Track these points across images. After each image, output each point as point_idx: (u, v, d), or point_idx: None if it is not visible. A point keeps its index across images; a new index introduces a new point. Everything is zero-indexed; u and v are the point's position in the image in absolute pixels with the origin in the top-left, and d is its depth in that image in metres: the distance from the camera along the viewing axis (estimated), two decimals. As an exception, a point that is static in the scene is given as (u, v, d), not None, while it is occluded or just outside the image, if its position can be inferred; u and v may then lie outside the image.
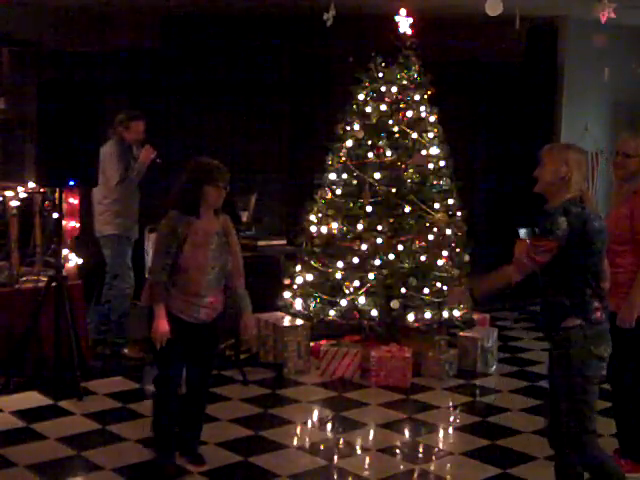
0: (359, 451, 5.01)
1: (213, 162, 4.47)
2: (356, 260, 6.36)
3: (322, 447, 5.00)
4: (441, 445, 5.14)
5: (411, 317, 6.29)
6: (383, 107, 6.56)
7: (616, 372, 4.27)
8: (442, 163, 6.59)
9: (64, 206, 6.03)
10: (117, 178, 6.33)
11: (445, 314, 6.41)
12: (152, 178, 6.64)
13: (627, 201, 4.32)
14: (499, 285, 3.70)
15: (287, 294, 6.62)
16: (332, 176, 6.62)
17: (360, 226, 6.41)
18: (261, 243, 7.02)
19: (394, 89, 6.58)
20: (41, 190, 6.15)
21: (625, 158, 4.35)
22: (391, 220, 6.43)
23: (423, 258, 6.36)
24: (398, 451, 4.96)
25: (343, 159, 6.60)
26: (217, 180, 4.35)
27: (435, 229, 6.41)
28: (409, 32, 6.62)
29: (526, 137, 8.86)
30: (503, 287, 3.70)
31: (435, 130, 6.65)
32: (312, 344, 6.48)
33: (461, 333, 6.57)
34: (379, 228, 6.37)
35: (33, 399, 5.61)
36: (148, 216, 6.78)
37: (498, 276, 3.70)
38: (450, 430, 5.46)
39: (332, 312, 6.39)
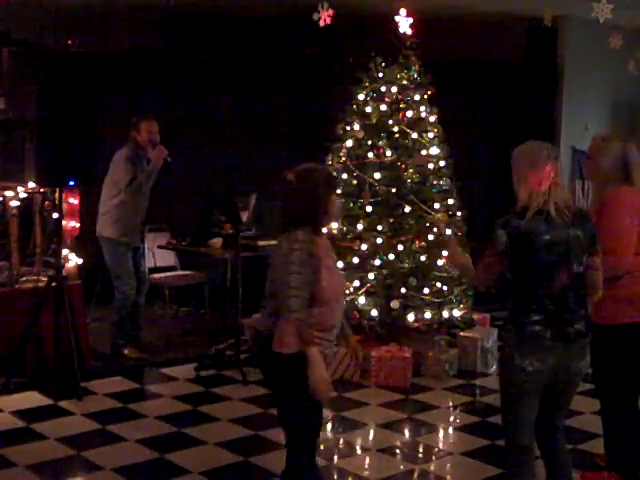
0: (359, 451, 5.01)
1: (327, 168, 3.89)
2: (356, 260, 6.36)
3: (322, 447, 5.00)
4: (441, 445, 5.14)
5: (411, 317, 6.29)
6: (383, 107, 6.56)
7: (601, 387, 4.23)
8: (442, 163, 6.59)
9: (64, 206, 6.03)
10: (126, 181, 6.31)
11: (445, 314, 6.41)
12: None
13: (593, 213, 4.02)
14: (461, 270, 3.84)
15: (287, 294, 6.61)
16: (332, 176, 6.61)
17: (360, 226, 6.41)
18: (261, 243, 7.02)
19: (394, 89, 6.58)
20: (41, 190, 6.15)
21: (586, 159, 4.29)
22: (391, 220, 6.43)
23: (423, 258, 6.36)
24: (398, 451, 4.96)
25: (343, 159, 6.60)
26: (336, 187, 3.81)
27: (435, 229, 6.41)
28: (409, 32, 6.62)
29: (526, 137, 8.82)
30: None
31: (435, 130, 6.65)
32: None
33: (461, 333, 6.57)
34: (379, 228, 6.37)
35: (33, 399, 5.61)
36: (148, 216, 6.81)
37: (465, 266, 3.75)
38: (450, 430, 5.46)
39: (332, 312, 6.37)
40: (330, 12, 6.09)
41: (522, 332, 3.41)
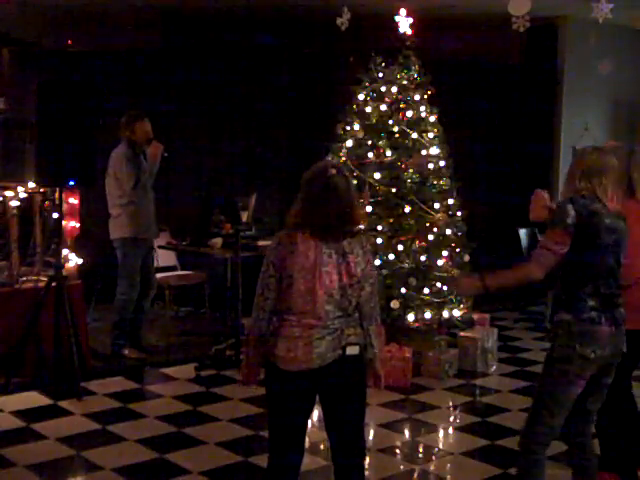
0: (359, 451, 5.00)
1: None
2: (356, 260, 6.34)
3: (322, 447, 5.00)
4: (441, 445, 5.14)
5: (411, 317, 6.29)
6: (383, 107, 6.56)
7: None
8: (442, 163, 6.59)
9: (64, 206, 6.02)
10: (132, 182, 6.31)
11: (445, 314, 6.42)
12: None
13: None
14: (515, 282, 3.58)
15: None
16: (332, 176, 6.61)
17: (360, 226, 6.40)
18: (261, 243, 7.02)
19: (394, 89, 6.58)
20: (41, 190, 6.15)
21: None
22: (391, 220, 6.42)
23: (423, 258, 6.36)
24: (398, 451, 4.96)
25: (343, 159, 6.60)
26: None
27: (435, 229, 6.41)
28: (409, 32, 6.62)
29: (526, 137, 8.87)
30: (518, 285, 3.58)
31: (435, 130, 6.65)
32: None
33: (461, 333, 6.57)
34: (379, 228, 6.37)
35: (33, 399, 5.61)
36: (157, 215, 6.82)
37: (516, 273, 3.57)
38: (450, 430, 5.46)
39: (332, 312, 6.37)
40: (349, 16, 6.19)
41: (579, 320, 3.46)
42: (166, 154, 6.44)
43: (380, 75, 6.64)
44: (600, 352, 3.46)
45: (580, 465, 3.74)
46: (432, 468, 4.76)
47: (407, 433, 5.27)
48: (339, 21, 6.25)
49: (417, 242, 6.40)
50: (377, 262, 6.30)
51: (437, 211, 6.48)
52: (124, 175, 6.31)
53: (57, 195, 5.79)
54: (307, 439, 5.24)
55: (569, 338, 3.47)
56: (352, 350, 3.28)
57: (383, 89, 6.60)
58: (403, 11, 6.62)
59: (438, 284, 6.39)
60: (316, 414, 5.64)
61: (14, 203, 6.00)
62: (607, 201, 3.51)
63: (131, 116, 6.44)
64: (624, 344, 3.60)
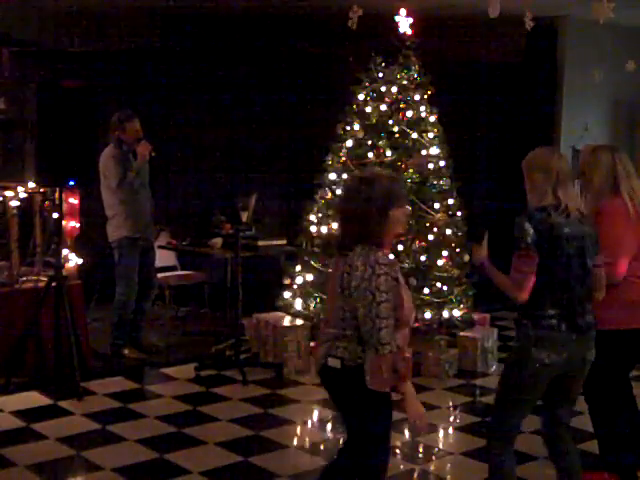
0: (359, 451, 5.00)
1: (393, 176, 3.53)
2: (356, 260, 6.35)
3: (322, 447, 5.00)
4: (441, 445, 5.14)
5: (411, 317, 6.28)
6: (383, 107, 6.56)
7: (593, 389, 4.23)
8: (442, 163, 6.59)
9: (64, 206, 6.02)
10: (117, 180, 6.32)
11: (445, 314, 6.41)
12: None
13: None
14: (499, 286, 3.63)
15: (287, 294, 6.63)
16: (332, 176, 6.62)
17: (360, 226, 6.40)
18: (261, 243, 7.02)
19: (394, 89, 6.58)
20: (41, 190, 6.15)
21: (580, 174, 4.24)
22: (391, 220, 6.41)
23: (423, 258, 6.36)
24: (398, 451, 4.96)
25: (343, 159, 6.60)
26: (404, 198, 3.33)
27: (435, 229, 6.41)
28: (409, 32, 6.62)
29: (526, 137, 8.86)
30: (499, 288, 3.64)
31: (435, 130, 6.65)
32: (312, 344, 6.48)
33: (461, 333, 6.57)
34: (379, 228, 6.36)
35: (33, 399, 5.61)
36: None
37: (506, 288, 3.58)
38: (450, 430, 5.45)
39: (332, 312, 6.37)
40: (360, 12, 6.21)
41: (538, 325, 3.49)
42: (154, 154, 6.45)
43: (380, 75, 6.64)
44: (555, 357, 3.46)
45: (563, 467, 3.78)
46: (432, 468, 4.76)
47: (407, 433, 5.26)
48: (350, 22, 6.28)
49: (417, 242, 6.40)
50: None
51: (437, 211, 6.48)
52: (111, 174, 6.33)
53: (57, 195, 5.80)
54: (307, 439, 5.28)
55: (526, 342, 3.50)
56: (333, 362, 3.23)
57: (383, 89, 6.60)
58: (403, 11, 6.62)
59: (438, 284, 6.39)
60: (316, 414, 5.66)
61: (14, 203, 6.00)
62: (571, 207, 3.49)
63: (122, 115, 6.45)
64: (590, 351, 3.57)
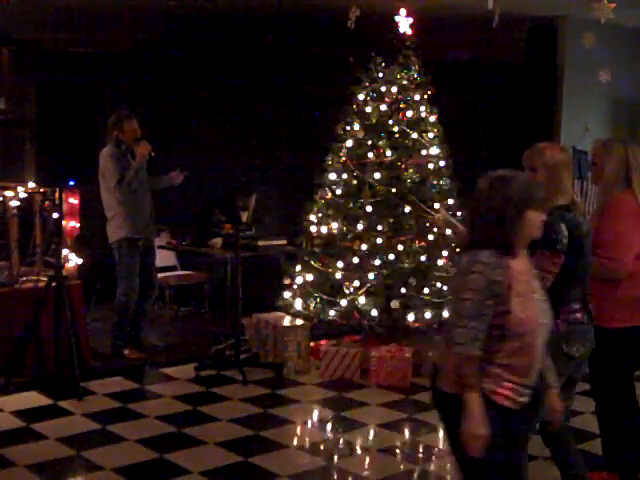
0: (359, 451, 5.00)
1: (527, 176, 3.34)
2: (356, 260, 6.36)
3: (322, 447, 5.00)
4: (441, 445, 5.13)
5: (411, 317, 6.29)
6: (383, 107, 6.56)
7: (599, 388, 4.23)
8: (442, 163, 6.59)
9: (64, 206, 6.03)
10: (114, 180, 6.32)
11: (445, 314, 6.40)
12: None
13: (596, 216, 4.15)
14: None
15: (287, 294, 6.62)
16: (332, 176, 6.62)
17: (360, 226, 6.41)
18: (261, 243, 7.02)
19: (394, 89, 6.58)
20: (41, 190, 6.15)
21: (591, 165, 4.27)
22: (391, 220, 6.42)
23: (423, 258, 6.36)
24: (398, 451, 4.96)
25: (343, 159, 6.60)
26: (542, 201, 3.01)
27: (435, 229, 6.41)
28: (409, 32, 6.62)
29: (526, 137, 8.83)
30: None
31: (435, 130, 6.65)
32: (312, 344, 6.48)
33: (461, 333, 6.55)
34: (379, 228, 6.37)
35: (33, 399, 5.61)
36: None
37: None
38: (450, 430, 5.45)
39: (332, 312, 6.38)
40: (357, 12, 6.22)
41: (566, 321, 3.58)
42: (153, 154, 6.45)
43: (380, 75, 6.64)
44: (583, 350, 3.63)
45: (565, 462, 3.80)
46: (432, 468, 4.77)
47: (407, 433, 5.26)
48: (349, 22, 6.29)
49: (417, 242, 6.40)
50: (377, 262, 6.31)
51: (437, 211, 6.48)
52: (110, 174, 6.33)
53: (57, 195, 5.80)
54: (307, 439, 5.28)
55: (557, 339, 3.50)
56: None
57: (383, 89, 6.60)
58: (403, 11, 6.62)
59: (438, 284, 6.39)
60: (316, 414, 5.66)
61: (14, 203, 6.00)
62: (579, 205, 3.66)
63: (120, 115, 6.45)
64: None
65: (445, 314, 6.39)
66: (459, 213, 6.61)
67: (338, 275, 6.38)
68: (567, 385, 3.67)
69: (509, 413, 2.88)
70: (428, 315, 6.30)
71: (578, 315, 3.61)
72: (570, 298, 3.60)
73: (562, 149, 3.85)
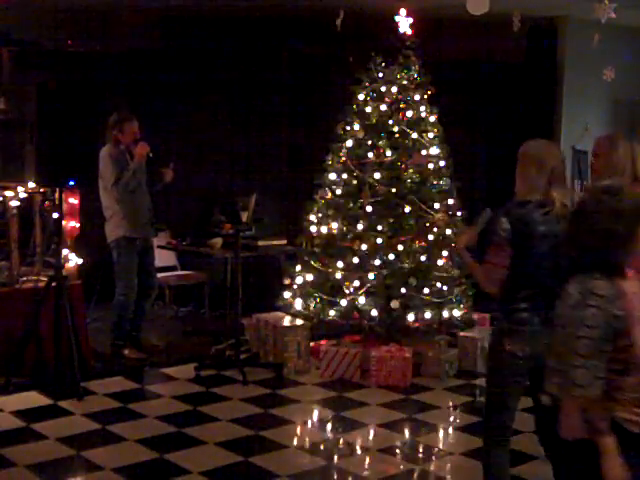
0: (359, 451, 5.00)
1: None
2: (356, 260, 6.36)
3: (322, 447, 5.00)
4: (441, 445, 5.14)
5: (411, 317, 6.29)
6: (383, 107, 6.56)
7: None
8: (442, 163, 6.59)
9: (64, 206, 6.02)
10: (112, 179, 6.32)
11: (445, 314, 6.41)
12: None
13: None
14: (472, 275, 3.79)
15: (287, 294, 6.63)
16: (332, 176, 6.62)
17: (360, 226, 6.41)
18: (261, 243, 7.02)
19: (394, 89, 6.58)
20: (41, 190, 6.15)
21: (594, 158, 4.28)
22: (391, 220, 6.43)
23: (423, 258, 6.36)
24: (398, 451, 4.96)
25: (343, 159, 6.60)
26: None
27: (435, 229, 6.42)
28: (409, 32, 6.63)
29: (526, 137, 8.82)
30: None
31: (435, 130, 6.66)
32: (312, 344, 6.48)
33: (461, 333, 6.57)
34: (379, 228, 6.37)
35: (33, 399, 5.61)
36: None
37: (478, 278, 3.68)
38: (450, 430, 5.45)
39: (332, 312, 6.39)
40: (342, 15, 6.24)
41: (510, 319, 3.55)
42: (151, 154, 6.45)
43: (380, 75, 6.64)
44: (527, 350, 3.51)
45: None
46: (432, 468, 4.76)
47: (407, 433, 5.27)
48: (338, 22, 6.28)
49: (417, 242, 6.40)
50: (377, 262, 6.31)
51: (437, 211, 6.48)
52: (108, 174, 6.33)
53: (57, 195, 5.79)
54: (307, 439, 5.28)
55: (500, 335, 3.58)
56: (544, 399, 2.83)
57: (383, 89, 6.60)
58: (403, 11, 6.62)
59: (438, 284, 6.39)
60: (316, 414, 5.66)
61: (14, 203, 6.00)
62: (558, 205, 3.49)
63: (120, 116, 6.45)
64: None
65: (445, 313, 6.40)
66: (459, 213, 6.63)
67: (338, 275, 6.38)
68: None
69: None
70: (428, 315, 6.30)
71: (524, 315, 3.52)
72: (516, 297, 3.52)
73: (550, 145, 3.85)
